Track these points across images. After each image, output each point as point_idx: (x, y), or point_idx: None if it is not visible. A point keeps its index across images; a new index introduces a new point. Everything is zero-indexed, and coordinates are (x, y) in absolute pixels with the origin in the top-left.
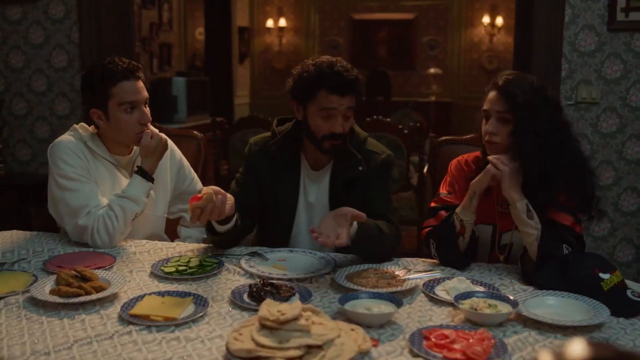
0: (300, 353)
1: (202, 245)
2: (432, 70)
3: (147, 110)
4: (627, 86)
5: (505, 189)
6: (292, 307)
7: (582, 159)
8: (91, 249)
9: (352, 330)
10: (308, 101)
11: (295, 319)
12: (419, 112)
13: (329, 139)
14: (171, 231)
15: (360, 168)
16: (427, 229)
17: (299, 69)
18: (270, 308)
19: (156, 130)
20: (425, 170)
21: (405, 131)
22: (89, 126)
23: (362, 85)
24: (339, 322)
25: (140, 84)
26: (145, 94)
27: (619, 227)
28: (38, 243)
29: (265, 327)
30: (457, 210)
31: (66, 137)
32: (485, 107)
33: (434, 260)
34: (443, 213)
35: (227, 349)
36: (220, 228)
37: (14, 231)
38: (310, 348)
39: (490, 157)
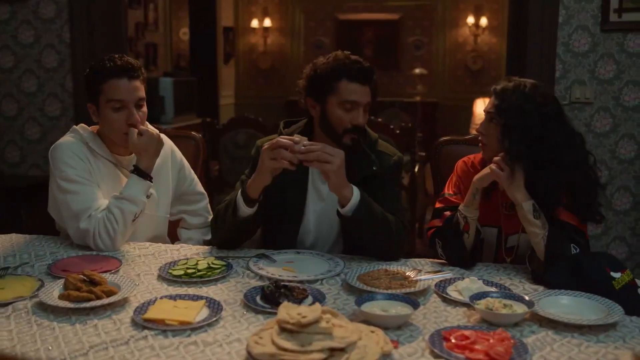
0: (323, 356)
1: (206, 247)
2: (417, 71)
3: (144, 111)
4: (620, 86)
5: (508, 191)
6: (312, 310)
7: (581, 167)
8: (94, 253)
9: (372, 332)
10: (328, 94)
11: (316, 321)
12: (406, 112)
13: (350, 132)
14: (170, 233)
15: (374, 168)
16: (432, 230)
17: (312, 66)
18: (289, 311)
19: (147, 128)
20: (416, 169)
21: (398, 131)
22: (89, 126)
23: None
24: (358, 324)
25: (135, 83)
26: (139, 94)
27: (612, 226)
28: (39, 246)
29: (286, 330)
30: (460, 207)
31: (67, 139)
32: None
33: (442, 261)
34: (448, 214)
35: (249, 353)
36: (246, 210)
37: (13, 234)
38: (333, 351)
39: (495, 158)
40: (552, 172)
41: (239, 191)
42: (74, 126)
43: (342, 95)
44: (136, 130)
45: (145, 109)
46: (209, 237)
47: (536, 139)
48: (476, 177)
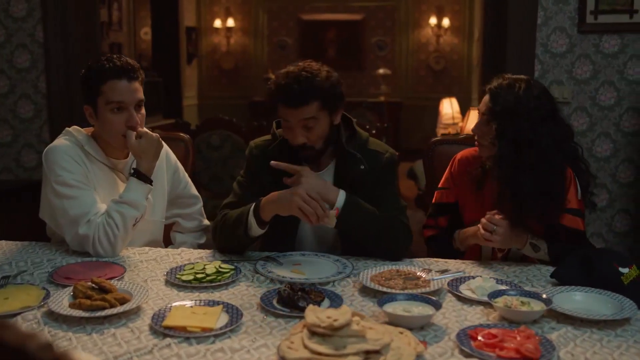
0: (360, 359)
1: (208, 250)
2: (381, 71)
3: (143, 113)
4: (596, 86)
5: (506, 246)
6: (342, 313)
7: (571, 162)
8: (94, 259)
9: (401, 333)
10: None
11: (348, 324)
12: (373, 112)
13: (300, 149)
14: (163, 236)
15: (362, 167)
16: (429, 231)
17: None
18: (318, 314)
19: (147, 130)
20: None
21: (374, 131)
22: (82, 129)
23: (330, 88)
24: (386, 326)
25: (135, 85)
26: (139, 96)
27: (589, 222)
28: (34, 254)
29: (316, 334)
30: (455, 236)
31: (62, 142)
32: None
33: (447, 260)
34: (442, 221)
35: (283, 358)
36: (258, 231)
37: (3, 242)
38: (368, 354)
39: (483, 221)
40: (534, 177)
41: (251, 211)
42: (67, 128)
43: (280, 115)
44: (134, 133)
45: (143, 111)
46: (202, 240)
47: (525, 144)
48: (467, 235)
